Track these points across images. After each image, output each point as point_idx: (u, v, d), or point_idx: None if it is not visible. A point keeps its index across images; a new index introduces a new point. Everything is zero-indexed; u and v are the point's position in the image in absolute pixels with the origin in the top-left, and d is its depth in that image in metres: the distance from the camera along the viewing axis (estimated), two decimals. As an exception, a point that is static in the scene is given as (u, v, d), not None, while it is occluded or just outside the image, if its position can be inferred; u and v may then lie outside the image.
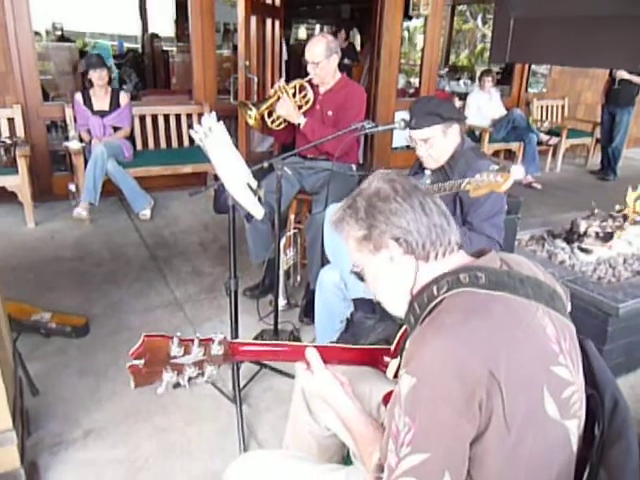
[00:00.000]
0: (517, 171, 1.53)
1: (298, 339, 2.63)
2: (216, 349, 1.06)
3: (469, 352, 0.85)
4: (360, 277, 1.13)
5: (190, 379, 1.06)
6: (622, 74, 5.71)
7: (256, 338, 2.57)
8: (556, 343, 0.94)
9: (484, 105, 5.85)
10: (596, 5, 2.27)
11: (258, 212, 1.84)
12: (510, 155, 6.18)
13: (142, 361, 0.99)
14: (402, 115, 5.92)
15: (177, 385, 1.11)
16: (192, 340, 1.04)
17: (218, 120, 1.82)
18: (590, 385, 1.03)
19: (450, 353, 0.86)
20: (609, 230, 2.83)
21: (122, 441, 1.99)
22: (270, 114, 2.93)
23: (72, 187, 4.22)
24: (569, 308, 1.08)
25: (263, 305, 2.86)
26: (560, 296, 1.04)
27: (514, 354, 0.88)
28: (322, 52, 2.80)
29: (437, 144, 1.97)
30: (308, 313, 2.67)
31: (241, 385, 2.15)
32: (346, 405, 1.13)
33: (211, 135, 1.76)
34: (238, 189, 1.81)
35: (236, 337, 2.06)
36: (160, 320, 2.79)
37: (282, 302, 2.87)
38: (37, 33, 6.74)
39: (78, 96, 4.24)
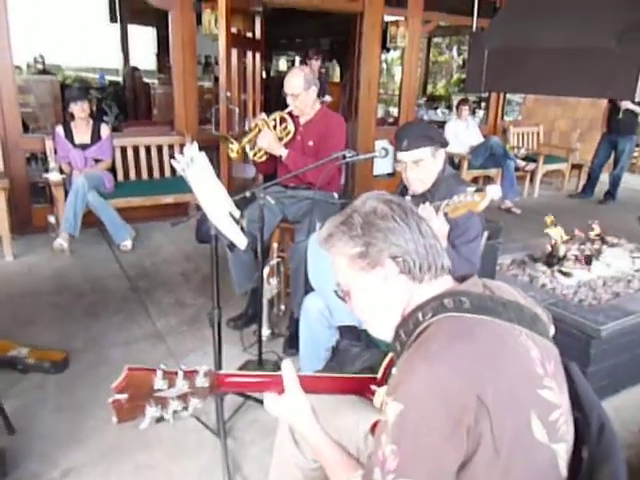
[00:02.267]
0: (493, 190, 1.56)
1: (283, 369, 2.59)
2: (201, 381, 1.04)
3: (455, 377, 0.85)
4: (342, 298, 1.11)
5: (175, 412, 1.03)
6: (627, 104, 5.93)
7: (240, 369, 2.53)
8: (541, 366, 0.95)
9: (462, 133, 5.97)
10: (567, 37, 2.36)
11: (241, 242, 1.84)
12: (489, 181, 6.28)
13: (125, 395, 0.96)
14: (382, 143, 6.01)
15: (160, 419, 1.08)
16: (176, 372, 1.02)
17: (200, 150, 1.83)
18: (576, 408, 1.04)
19: (437, 379, 0.85)
20: (588, 253, 2.88)
21: (102, 480, 1.93)
22: (252, 146, 2.95)
23: (52, 219, 4.18)
24: (552, 331, 1.09)
25: (247, 335, 2.84)
26: (542, 320, 1.05)
27: (501, 378, 0.88)
28: (300, 84, 2.84)
29: (427, 166, 1.99)
30: (292, 344, 2.64)
31: (225, 418, 2.11)
32: (315, 431, 1.09)
33: (193, 165, 1.76)
34: (220, 219, 1.81)
35: (220, 369, 2.03)
36: (142, 353, 2.74)
37: (266, 332, 2.85)
38: (18, 67, 6.72)
39: (59, 129, 4.23)
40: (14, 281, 3.55)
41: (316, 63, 6.27)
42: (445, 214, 1.65)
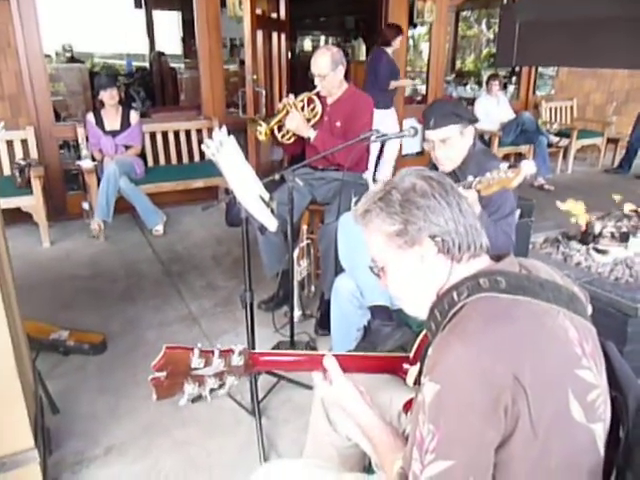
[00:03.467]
0: (528, 166, 1.52)
1: (315, 349, 2.62)
2: (236, 360, 1.06)
3: (493, 358, 0.85)
4: (377, 274, 1.10)
5: (211, 390, 1.06)
6: None
7: (273, 349, 2.57)
8: (579, 346, 0.93)
9: (492, 109, 5.84)
10: (599, 7, 2.27)
11: (271, 224, 1.85)
12: (521, 158, 6.15)
13: (164, 373, 0.99)
14: (410, 122, 5.93)
15: (197, 398, 1.11)
16: (212, 351, 1.04)
17: (228, 134, 1.84)
18: (613, 387, 1.02)
19: (474, 360, 0.85)
20: (625, 230, 2.80)
21: (142, 456, 1.99)
22: (280, 128, 2.95)
23: (86, 205, 4.27)
24: (590, 311, 1.07)
25: (278, 317, 2.87)
26: (580, 299, 1.03)
27: (538, 358, 0.87)
28: (328, 65, 2.82)
29: (455, 144, 1.97)
30: (324, 324, 2.67)
31: (259, 397, 2.14)
32: (365, 413, 1.11)
33: (222, 149, 1.77)
34: (251, 202, 1.82)
35: (253, 349, 2.06)
36: (176, 335, 2.81)
37: (297, 313, 2.87)
38: (47, 55, 6.84)
39: (90, 116, 4.31)
40: (52, 267, 3.65)
41: None
42: (478, 191, 1.62)
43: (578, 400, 0.89)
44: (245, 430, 2.09)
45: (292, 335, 2.53)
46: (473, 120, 2.00)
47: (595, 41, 2.29)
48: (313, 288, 3.10)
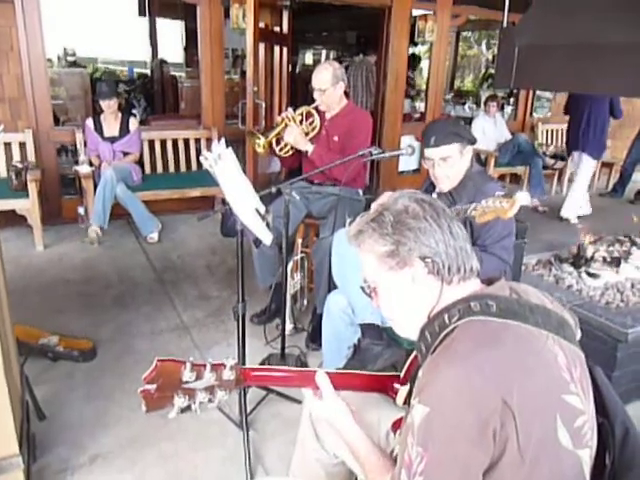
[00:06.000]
0: (523, 197, 1.54)
1: (305, 364, 2.62)
2: (228, 374, 1.06)
3: (482, 381, 0.85)
4: (368, 294, 1.11)
5: (201, 403, 1.06)
6: None
7: (263, 362, 2.56)
8: (567, 371, 0.94)
9: (489, 130, 5.90)
10: (600, 32, 2.31)
11: (266, 237, 1.86)
12: (516, 179, 6.21)
13: (154, 386, 0.99)
14: (408, 139, 5.97)
15: (185, 409, 1.11)
16: (204, 365, 1.04)
17: (227, 146, 1.85)
18: (600, 413, 1.03)
19: (463, 383, 0.86)
20: (616, 255, 2.83)
21: (128, 467, 1.97)
22: (278, 141, 2.97)
23: (81, 210, 4.27)
24: (579, 335, 1.08)
25: (270, 329, 2.86)
26: (569, 324, 1.04)
27: (527, 383, 0.88)
28: (329, 79, 2.85)
29: (455, 164, 1.98)
30: (315, 338, 2.67)
31: (248, 410, 2.14)
32: (354, 432, 1.11)
33: (220, 162, 1.78)
34: (247, 214, 1.83)
35: (243, 361, 2.06)
36: (167, 344, 2.79)
37: (289, 326, 2.87)
38: (49, 59, 6.87)
39: (89, 122, 4.32)
40: (45, 270, 3.64)
41: None
42: (472, 218, 1.64)
43: (566, 426, 0.90)
44: (232, 443, 2.08)
45: (283, 348, 2.53)
46: (472, 141, 2.02)
47: (593, 67, 2.32)
48: (306, 302, 3.10)
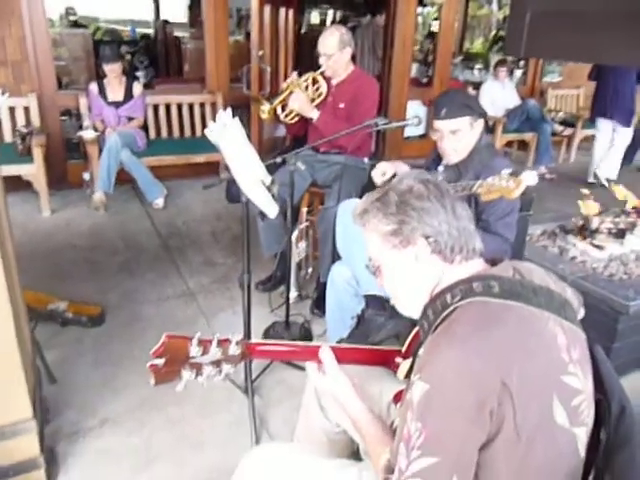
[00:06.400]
0: (529, 177, 1.53)
1: (309, 331, 2.66)
2: (233, 349, 1.09)
3: (482, 362, 0.87)
4: (373, 272, 1.13)
5: (208, 377, 1.09)
6: None
7: (267, 330, 2.61)
8: (566, 352, 0.96)
9: (498, 95, 5.79)
10: (613, 1, 2.24)
11: (272, 210, 1.86)
12: (524, 145, 6.13)
13: (162, 360, 1.02)
14: (415, 104, 5.88)
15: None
16: (211, 340, 1.07)
17: (232, 109, 1.83)
18: (598, 390, 1.05)
19: (463, 363, 0.88)
20: (622, 226, 2.82)
21: (137, 431, 2.04)
22: (283, 108, 2.94)
23: (86, 176, 4.27)
24: (582, 314, 1.09)
25: (275, 296, 2.90)
26: (571, 305, 1.05)
27: (526, 364, 0.90)
28: (335, 44, 2.79)
29: (464, 137, 1.96)
30: (319, 305, 2.70)
31: (253, 377, 2.19)
32: (356, 406, 1.15)
33: (226, 132, 1.77)
34: (252, 187, 1.83)
35: (249, 330, 2.09)
36: (174, 310, 2.84)
37: (293, 294, 2.91)
38: (50, 19, 6.74)
39: (93, 86, 4.28)
40: (52, 236, 3.67)
41: None
42: (477, 195, 1.63)
43: (563, 405, 0.92)
44: (238, 409, 2.14)
45: (287, 316, 2.56)
46: (483, 114, 1.99)
47: (606, 37, 2.27)
48: (310, 270, 3.12)
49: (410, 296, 1.09)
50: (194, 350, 1.04)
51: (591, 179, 5.52)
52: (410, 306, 1.10)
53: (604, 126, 5.41)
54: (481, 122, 1.98)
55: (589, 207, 2.80)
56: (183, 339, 1.05)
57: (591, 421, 1.01)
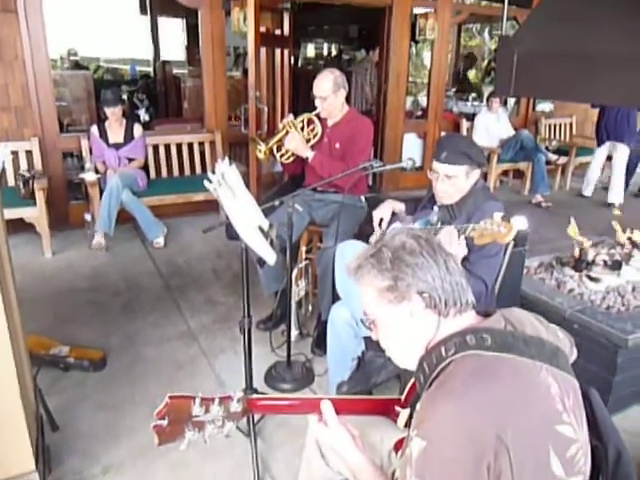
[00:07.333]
0: (519, 222, 1.57)
1: (310, 371, 2.67)
2: (235, 406, 1.11)
3: (477, 417, 0.89)
4: (368, 327, 1.16)
5: (210, 436, 1.11)
6: None
7: (269, 371, 2.62)
8: (560, 402, 0.97)
9: (492, 126, 5.90)
10: (597, 42, 2.32)
11: (270, 257, 1.89)
12: (519, 175, 6.21)
13: (166, 421, 1.04)
14: (411, 137, 5.97)
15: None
16: (213, 399, 1.09)
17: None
18: (594, 436, 1.06)
19: (459, 418, 0.90)
20: (617, 258, 2.85)
21: (140, 478, 2.04)
22: (279, 148, 3.00)
23: (88, 217, 4.31)
24: (574, 356, 1.11)
25: (276, 335, 2.92)
26: (563, 351, 1.08)
27: (520, 416, 0.91)
28: (329, 87, 2.87)
29: (457, 184, 2.01)
30: (320, 344, 2.71)
31: (255, 420, 2.19)
32: (357, 457, 1.16)
33: (224, 182, 1.82)
34: (250, 235, 1.87)
35: (250, 377, 2.10)
36: (175, 352, 2.85)
37: (294, 332, 2.92)
38: (52, 60, 6.89)
39: (94, 129, 4.37)
40: (54, 278, 3.70)
41: None
42: (471, 239, 1.67)
43: (558, 456, 0.94)
44: (240, 453, 2.13)
45: (289, 356, 2.58)
46: (482, 164, 2.05)
47: (591, 77, 2.34)
48: (310, 307, 3.14)
49: (405, 350, 1.12)
50: (196, 409, 1.06)
51: (587, 192, 6.11)
52: (405, 359, 1.12)
53: (603, 148, 5.88)
54: (477, 172, 2.02)
55: (574, 229, 2.85)
56: (186, 399, 1.07)
57: (588, 469, 1.02)
